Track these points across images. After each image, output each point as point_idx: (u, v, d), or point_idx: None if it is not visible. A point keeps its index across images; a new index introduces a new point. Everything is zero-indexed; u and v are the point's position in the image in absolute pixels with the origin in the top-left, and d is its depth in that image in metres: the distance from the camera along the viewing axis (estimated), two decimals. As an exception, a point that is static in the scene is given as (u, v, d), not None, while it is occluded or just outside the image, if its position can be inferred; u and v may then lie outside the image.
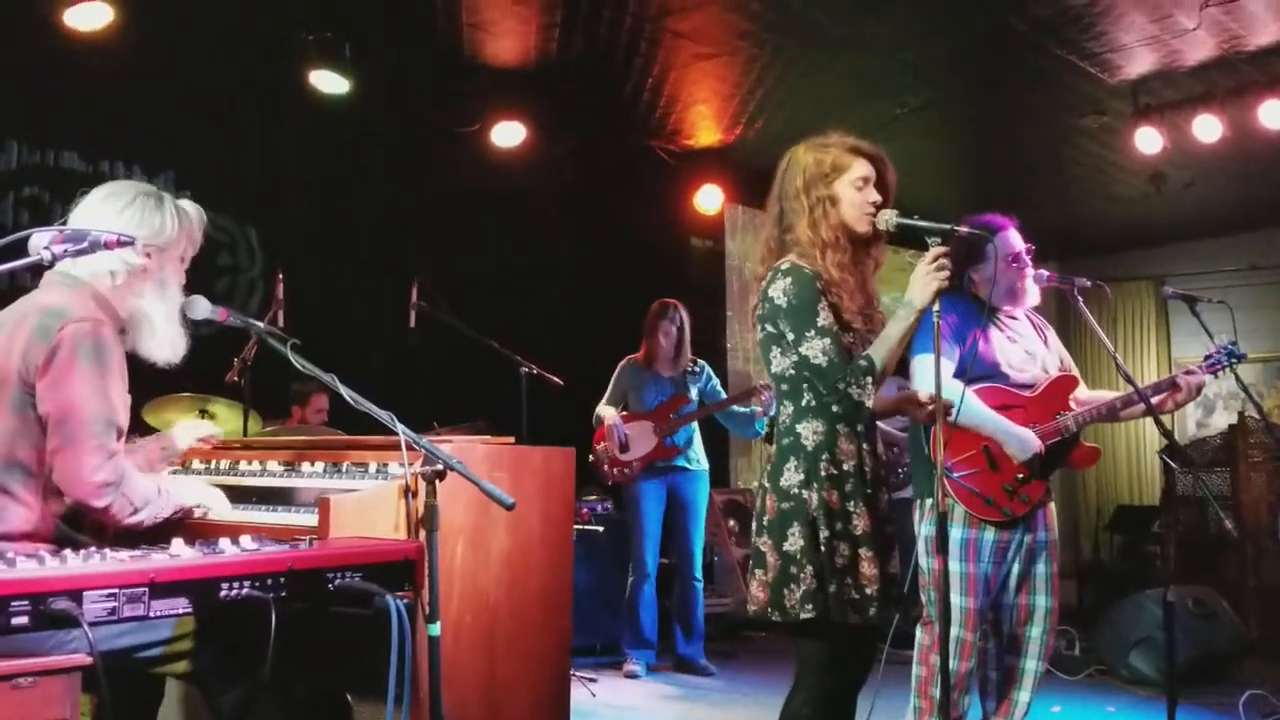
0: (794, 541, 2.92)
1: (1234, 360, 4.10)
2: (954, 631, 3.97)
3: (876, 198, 3.04)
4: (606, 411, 6.26)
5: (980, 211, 4.17)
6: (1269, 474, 7.63)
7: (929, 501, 4.06)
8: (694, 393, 6.33)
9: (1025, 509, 3.98)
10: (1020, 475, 3.96)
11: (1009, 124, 7.69)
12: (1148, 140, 7.13)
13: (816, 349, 2.93)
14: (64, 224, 2.67)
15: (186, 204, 2.96)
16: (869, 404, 2.96)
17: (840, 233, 3.02)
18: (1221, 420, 9.40)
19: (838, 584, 2.89)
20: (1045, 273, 4.14)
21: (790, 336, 2.97)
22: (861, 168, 3.05)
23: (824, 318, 2.95)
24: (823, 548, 2.90)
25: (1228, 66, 6.57)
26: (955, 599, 3.96)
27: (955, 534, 3.97)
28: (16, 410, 2.56)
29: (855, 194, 3.03)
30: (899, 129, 7.22)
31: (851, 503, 2.95)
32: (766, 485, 3.03)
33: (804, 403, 3.01)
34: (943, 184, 8.62)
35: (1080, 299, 4.12)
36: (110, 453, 2.58)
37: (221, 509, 2.98)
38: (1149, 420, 4.08)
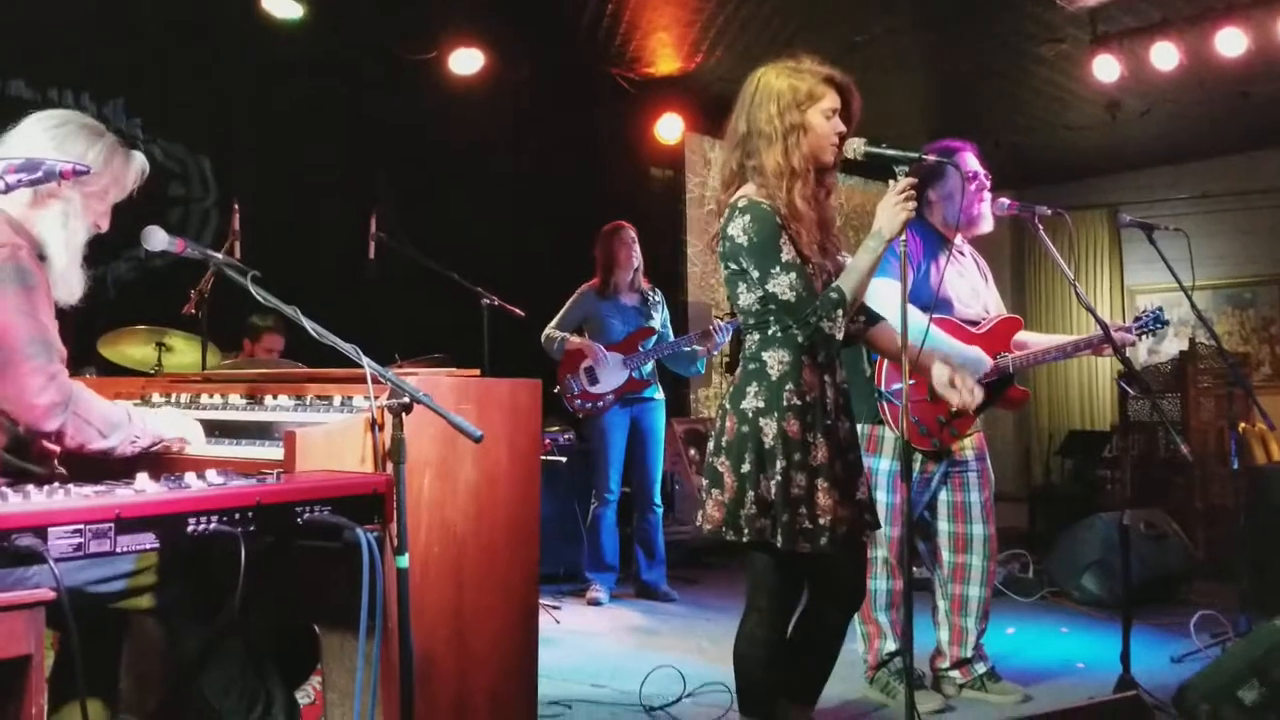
0: (750, 464, 2.96)
1: (1160, 325, 4.26)
2: (879, 553, 4.14)
3: (842, 128, 3.04)
4: (585, 341, 6.16)
5: (937, 139, 4.19)
6: (1218, 399, 7.79)
7: (861, 429, 4.12)
8: (656, 321, 6.31)
9: (952, 441, 4.10)
10: (954, 409, 4.03)
11: (967, 52, 7.65)
12: (1105, 68, 7.14)
13: (784, 284, 2.93)
14: None
15: (135, 153, 2.82)
16: (839, 336, 2.98)
17: (810, 162, 3.01)
18: (1172, 347, 9.53)
19: (791, 513, 2.93)
20: (1006, 201, 4.17)
21: (755, 274, 2.97)
22: (832, 98, 3.03)
23: (787, 252, 2.95)
24: (778, 476, 2.93)
25: (1186, -7, 6.58)
26: (882, 527, 4.09)
27: (884, 465, 4.09)
28: None
29: (825, 123, 3.02)
30: (858, 56, 7.17)
31: (811, 434, 2.98)
32: (728, 407, 3.06)
33: (770, 333, 3.03)
34: (901, 111, 8.59)
35: (1041, 227, 4.15)
36: (51, 374, 2.50)
37: (200, 442, 2.95)
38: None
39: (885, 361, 4.05)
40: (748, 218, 2.97)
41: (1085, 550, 6.18)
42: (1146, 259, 4.24)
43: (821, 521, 2.95)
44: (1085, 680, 4.60)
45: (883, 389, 4.05)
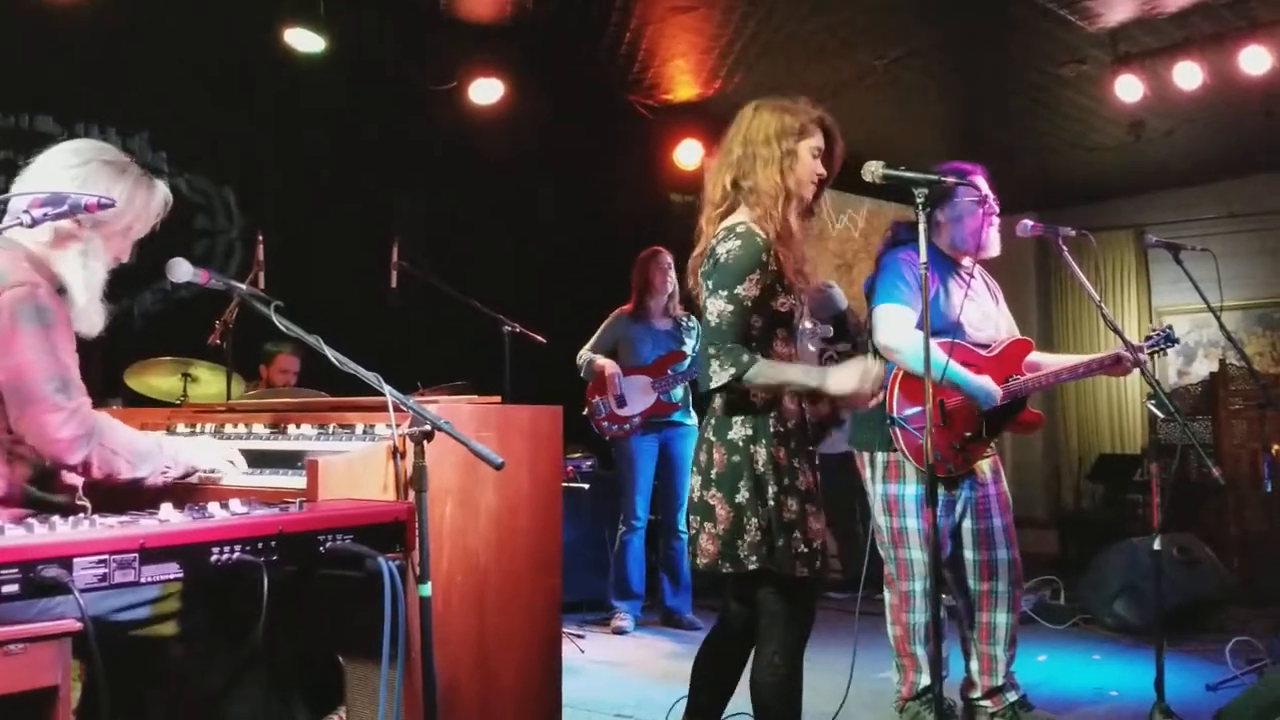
0: (744, 494, 2.97)
1: (1170, 344, 4.25)
2: (918, 585, 4.04)
3: (823, 171, 3.11)
4: (607, 363, 6.17)
5: (958, 161, 4.17)
6: (1250, 421, 7.70)
7: (881, 456, 4.08)
8: (689, 347, 6.29)
9: (966, 467, 4.05)
10: (967, 434, 3.99)
11: (988, 74, 7.64)
12: (1128, 88, 7.10)
13: (723, 311, 2.96)
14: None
15: (158, 184, 2.82)
16: (708, 387, 2.97)
17: (802, 187, 3.07)
18: (1202, 368, 9.44)
19: (786, 538, 2.95)
20: (1030, 222, 4.12)
21: (710, 285, 3.00)
22: (819, 138, 3.10)
23: (747, 289, 2.95)
24: (771, 502, 2.95)
25: (1208, 12, 6.52)
26: (915, 554, 4.03)
27: (909, 490, 4.04)
28: None
29: (811, 160, 3.09)
30: (878, 80, 7.18)
31: (797, 459, 3.01)
32: (713, 439, 3.07)
33: None
34: (922, 135, 8.58)
35: (1065, 249, 4.12)
36: (71, 409, 2.52)
37: (239, 471, 2.95)
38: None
39: (896, 387, 4.01)
40: (739, 243, 2.99)
41: (1116, 576, 6.10)
42: (1174, 279, 4.21)
43: (815, 545, 3.00)
44: (1119, 708, 4.55)
45: (895, 414, 3.99)
